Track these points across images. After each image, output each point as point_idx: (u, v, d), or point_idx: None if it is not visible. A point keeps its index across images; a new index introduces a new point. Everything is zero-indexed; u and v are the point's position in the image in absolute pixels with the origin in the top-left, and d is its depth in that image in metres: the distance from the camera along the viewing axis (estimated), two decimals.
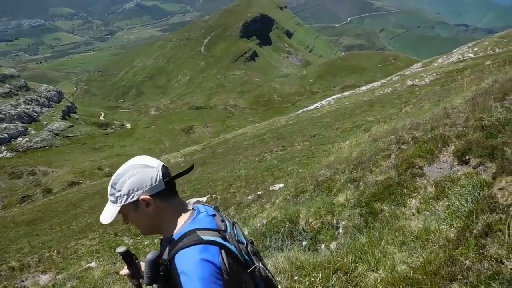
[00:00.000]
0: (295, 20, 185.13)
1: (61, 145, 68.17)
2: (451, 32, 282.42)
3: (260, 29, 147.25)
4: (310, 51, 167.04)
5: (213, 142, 40.29)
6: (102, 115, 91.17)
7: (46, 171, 53.74)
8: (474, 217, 2.84)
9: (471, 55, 41.28)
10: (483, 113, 5.43)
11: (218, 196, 14.12)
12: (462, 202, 3.39)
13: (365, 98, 35.16)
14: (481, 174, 3.83)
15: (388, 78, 49.47)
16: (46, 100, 79.13)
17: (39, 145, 65.75)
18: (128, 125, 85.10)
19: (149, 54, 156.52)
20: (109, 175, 47.66)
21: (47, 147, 66.06)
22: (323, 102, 46.89)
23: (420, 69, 45.82)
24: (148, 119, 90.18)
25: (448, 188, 4.03)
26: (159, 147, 66.46)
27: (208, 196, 14.37)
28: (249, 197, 11.49)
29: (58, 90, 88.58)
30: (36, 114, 72.84)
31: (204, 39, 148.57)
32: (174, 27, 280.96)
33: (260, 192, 11.44)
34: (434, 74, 33.54)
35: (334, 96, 49.64)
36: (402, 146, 6.61)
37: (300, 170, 11.93)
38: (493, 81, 8.47)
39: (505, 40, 42.37)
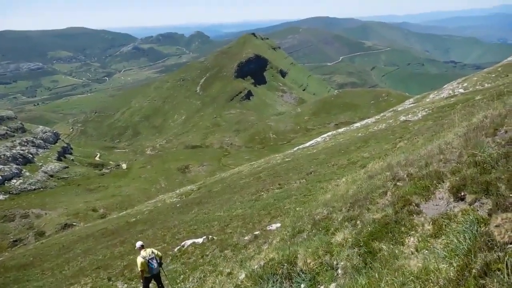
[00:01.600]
0: (289, 60, 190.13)
1: (56, 186, 67.48)
2: (440, 68, 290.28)
3: (254, 69, 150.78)
4: (304, 90, 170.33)
5: (209, 181, 40.06)
6: (98, 155, 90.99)
7: (39, 213, 52.83)
8: (472, 255, 2.80)
9: (461, 90, 42.24)
10: (476, 148, 5.48)
11: (214, 237, 13.85)
12: (460, 240, 3.36)
13: (360, 134, 35.47)
14: (477, 210, 3.82)
15: (382, 114, 50.20)
16: (42, 142, 79.19)
17: (33, 187, 65.05)
18: (124, 165, 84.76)
19: (146, 94, 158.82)
20: (104, 216, 46.91)
21: (41, 189, 65.33)
22: (319, 139, 47.21)
23: (412, 104, 46.65)
24: (144, 159, 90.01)
25: (445, 225, 4.00)
26: (154, 187, 65.93)
27: (204, 237, 14.11)
28: (246, 238, 11.28)
29: (54, 131, 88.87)
30: (31, 156, 72.59)
31: (200, 80, 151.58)
32: (170, 68, 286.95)
33: (257, 232, 11.25)
34: (426, 110, 34.12)
35: (329, 133, 50.06)
36: (397, 183, 6.60)
37: (297, 209, 11.81)
38: (484, 117, 8.61)
39: (493, 75, 43.58)
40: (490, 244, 2.75)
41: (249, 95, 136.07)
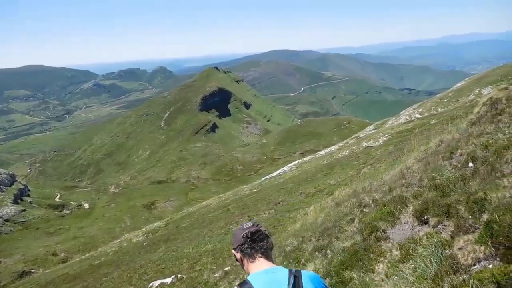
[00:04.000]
0: (252, 92, 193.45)
1: (12, 231, 63.37)
2: (396, 96, 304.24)
3: (218, 102, 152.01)
4: (268, 120, 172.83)
5: (177, 216, 39.08)
6: (58, 196, 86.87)
7: None
8: (439, 279, 2.85)
9: (418, 115, 44.27)
10: (435, 172, 5.70)
11: (183, 276, 13.37)
12: (427, 264, 3.41)
13: (325, 161, 36.10)
14: (441, 233, 3.92)
15: (345, 141, 51.50)
16: None
17: None
18: (86, 205, 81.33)
19: (108, 131, 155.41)
20: (65, 260, 44.33)
21: None
22: (285, 168, 47.57)
23: (373, 131, 48.27)
24: (107, 197, 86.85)
25: (412, 250, 4.07)
26: (119, 226, 63.40)
27: (173, 276, 13.58)
28: (217, 275, 10.97)
29: (10, 173, 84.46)
30: None
31: (164, 114, 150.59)
32: (133, 103, 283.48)
33: (227, 268, 10.97)
34: (386, 135, 35.37)
35: (295, 162, 50.60)
36: (364, 209, 6.71)
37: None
38: (440, 141, 9.02)
39: (445, 100, 46.13)
40: (455, 267, 2.82)
41: (214, 127, 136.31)
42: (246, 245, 2.17)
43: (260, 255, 2.16)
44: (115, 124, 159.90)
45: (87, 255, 36.65)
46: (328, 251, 5.56)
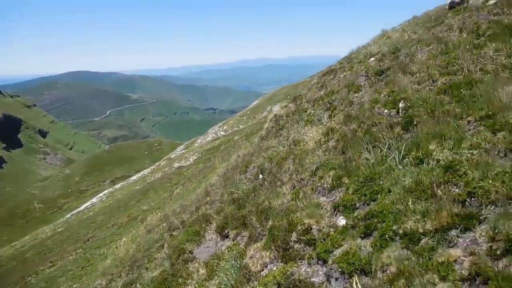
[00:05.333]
0: (48, 118, 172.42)
1: None
2: (202, 115, 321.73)
3: (5, 131, 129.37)
4: (70, 149, 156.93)
5: None
6: None
7: None
8: None
9: (223, 133, 47.88)
10: (233, 187, 6.16)
11: None
12: (229, 277, 3.60)
13: (138, 187, 34.96)
14: (240, 244, 4.22)
15: (157, 163, 51.17)
16: None
17: None
18: None
19: None
20: None
21: None
22: (94, 199, 43.98)
23: (183, 150, 49.57)
24: None
25: (216, 265, 4.24)
26: None
27: None
28: None
29: None
30: None
31: None
32: None
33: None
34: (196, 154, 36.83)
35: (106, 191, 47.42)
36: (173, 233, 6.70)
37: (74, 286, 10.37)
38: (237, 156, 9.87)
39: (244, 118, 51.46)
40: (248, 276, 3.04)
41: (1, 162, 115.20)
42: None
43: None
44: None
45: None
46: (137, 285, 5.28)
